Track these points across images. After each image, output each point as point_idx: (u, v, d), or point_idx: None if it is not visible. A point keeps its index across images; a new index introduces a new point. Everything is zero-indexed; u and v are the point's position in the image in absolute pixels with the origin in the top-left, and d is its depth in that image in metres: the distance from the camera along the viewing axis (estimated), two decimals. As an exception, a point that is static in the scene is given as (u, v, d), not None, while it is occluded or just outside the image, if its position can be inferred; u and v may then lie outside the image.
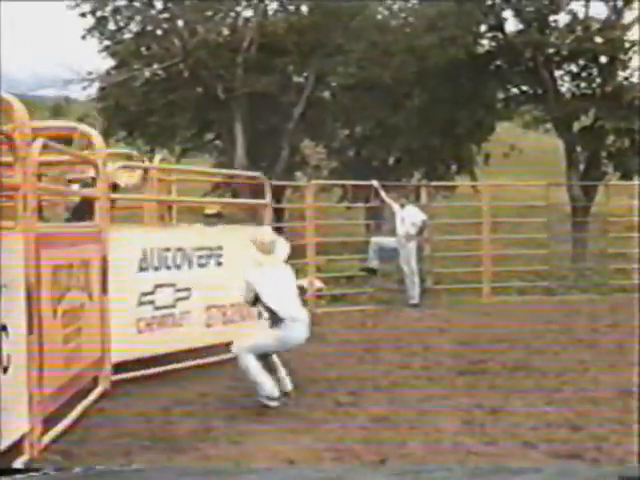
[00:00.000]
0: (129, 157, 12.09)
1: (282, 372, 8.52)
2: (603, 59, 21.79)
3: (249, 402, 7.97)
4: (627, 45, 21.62)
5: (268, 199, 11.81)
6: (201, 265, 10.10)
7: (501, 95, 23.83)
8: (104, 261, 8.60)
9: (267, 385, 7.91)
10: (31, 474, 4.91)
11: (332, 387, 8.80)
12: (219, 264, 10.31)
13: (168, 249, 9.62)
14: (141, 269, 9.29)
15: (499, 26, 22.48)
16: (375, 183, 16.20)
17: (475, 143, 24.17)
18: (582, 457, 6.39)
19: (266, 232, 8.51)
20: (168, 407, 8.01)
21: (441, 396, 8.36)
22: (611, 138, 21.88)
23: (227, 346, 8.42)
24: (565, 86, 22.79)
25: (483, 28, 22.80)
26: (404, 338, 11.91)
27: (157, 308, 9.46)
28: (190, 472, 6.29)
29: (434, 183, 19.81)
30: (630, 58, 21.91)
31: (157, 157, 13.63)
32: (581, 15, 21.79)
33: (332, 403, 8.16)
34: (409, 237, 15.26)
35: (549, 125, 23.06)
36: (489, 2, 22.16)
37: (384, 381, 9.11)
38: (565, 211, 21.31)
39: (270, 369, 8.27)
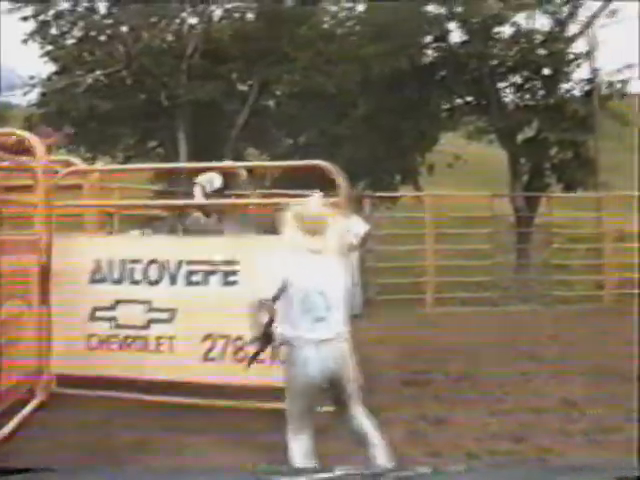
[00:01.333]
0: (69, 164, 11.83)
1: (373, 441, 6.02)
2: (546, 71, 21.92)
3: (189, 413, 7.79)
4: (570, 58, 21.79)
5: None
6: (194, 283, 8.49)
7: (445, 105, 23.89)
8: (44, 270, 8.30)
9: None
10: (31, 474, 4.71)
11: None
12: (230, 283, 8.38)
13: (136, 261, 8.53)
14: (94, 281, 8.57)
15: (444, 37, 22.51)
16: (317, 193, 16.02)
17: (419, 153, 24.18)
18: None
19: (314, 202, 6.46)
20: (108, 418, 7.79)
21: (384, 407, 8.24)
22: (554, 150, 21.99)
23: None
24: (509, 97, 22.90)
25: (428, 39, 22.81)
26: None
27: (119, 326, 8.53)
28: None
29: (377, 194, 19.76)
30: (573, 71, 22.10)
31: (99, 165, 13.38)
32: (525, 27, 21.93)
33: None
34: (351, 248, 15.12)
35: (493, 136, 23.15)
36: (434, 13, 22.21)
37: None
38: (509, 222, 21.38)
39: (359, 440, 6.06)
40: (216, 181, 10.81)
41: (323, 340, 5.74)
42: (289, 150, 24.83)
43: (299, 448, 5.89)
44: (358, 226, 15.17)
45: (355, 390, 5.96)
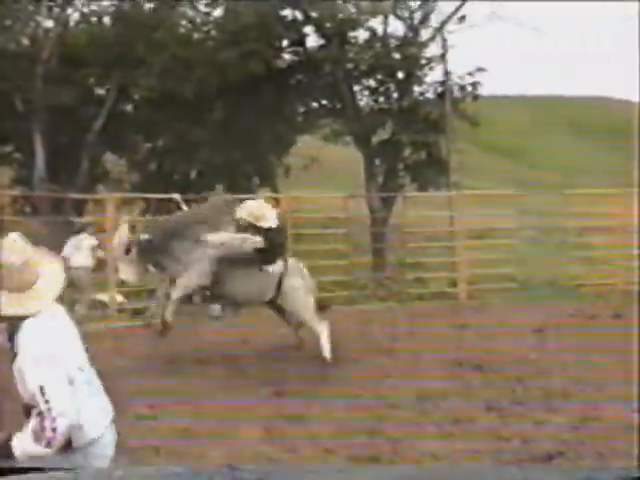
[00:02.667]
0: None
1: None
2: (400, 75, 22.39)
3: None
4: (423, 62, 22.34)
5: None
6: None
7: (301, 109, 24.12)
8: None
9: None
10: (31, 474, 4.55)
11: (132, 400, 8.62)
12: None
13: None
14: None
15: (300, 41, 22.72)
16: (176, 196, 16.01)
17: (276, 156, 24.33)
18: (379, 460, 6.49)
19: None
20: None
21: (245, 408, 8.33)
22: (408, 151, 22.48)
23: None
24: (364, 100, 23.28)
25: (284, 43, 23.00)
26: (205, 349, 11.80)
27: None
28: None
29: (235, 196, 19.81)
30: (425, 74, 22.66)
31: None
32: (380, 32, 22.38)
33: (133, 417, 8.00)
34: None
35: (348, 138, 23.48)
36: (290, 17, 22.42)
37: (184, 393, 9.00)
38: (365, 222, 21.71)
39: None
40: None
41: None
42: (147, 155, 24.64)
43: None
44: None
45: None
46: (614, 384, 8.80)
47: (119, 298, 15.81)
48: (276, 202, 20.57)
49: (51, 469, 3.58)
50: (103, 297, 16.24)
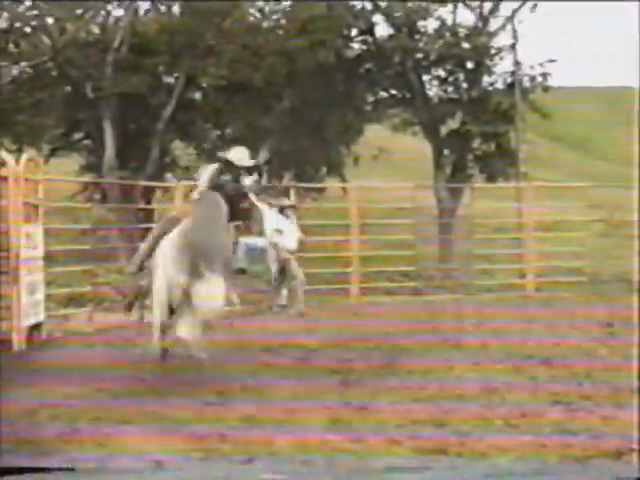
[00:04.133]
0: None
1: None
2: (469, 65, 22.27)
3: (115, 404, 7.83)
4: (492, 51, 22.18)
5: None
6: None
7: (370, 98, 24.09)
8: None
9: None
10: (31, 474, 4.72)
11: (199, 388, 8.72)
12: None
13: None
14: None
15: (369, 30, 22.70)
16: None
17: (344, 145, 24.35)
18: (446, 452, 6.48)
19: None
20: (33, 410, 7.79)
21: (310, 395, 8.38)
22: (477, 141, 22.36)
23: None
24: (433, 90, 23.18)
25: (354, 32, 23.00)
26: (273, 339, 11.88)
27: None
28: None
29: (303, 184, 19.93)
30: (495, 64, 22.49)
31: (24, 156, 13.27)
32: (449, 22, 22.26)
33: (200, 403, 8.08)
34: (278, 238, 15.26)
35: (417, 128, 23.40)
36: (360, 6, 22.41)
37: (252, 381, 9.07)
38: (432, 213, 21.65)
39: None
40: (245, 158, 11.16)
41: None
42: (216, 143, 24.77)
43: None
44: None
45: None
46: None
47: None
48: (344, 191, 20.65)
49: (51, 469, 3.67)
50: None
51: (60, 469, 4.53)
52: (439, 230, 21.06)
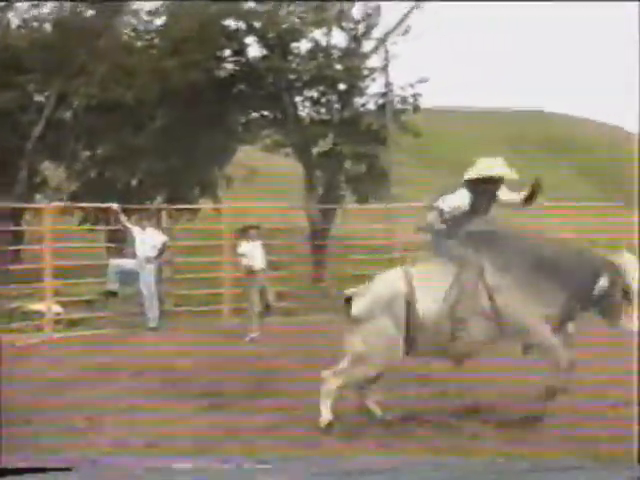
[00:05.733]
0: None
1: None
2: (342, 86, 22.45)
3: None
4: (365, 73, 22.45)
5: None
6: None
7: (242, 119, 24.03)
8: None
9: None
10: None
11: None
12: None
13: None
14: None
15: (242, 51, 22.69)
16: (115, 206, 15.96)
17: (217, 166, 24.24)
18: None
19: None
20: None
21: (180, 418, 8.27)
22: (349, 163, 22.54)
23: None
24: (305, 111, 23.28)
25: (227, 52, 22.94)
26: (142, 362, 11.64)
27: None
28: None
29: (176, 206, 19.78)
30: (367, 86, 22.77)
31: None
32: (323, 43, 22.41)
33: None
34: (149, 259, 15.13)
35: (289, 149, 23.46)
36: (233, 27, 22.39)
37: (122, 405, 8.90)
38: (306, 233, 21.67)
39: None
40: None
41: None
42: (87, 163, 24.35)
43: None
44: (156, 238, 15.21)
45: None
46: None
47: (56, 308, 15.62)
48: (217, 212, 20.54)
49: (51, 469, 3.58)
50: (39, 307, 15.99)
51: (60, 469, 4.41)
52: (312, 251, 21.09)
